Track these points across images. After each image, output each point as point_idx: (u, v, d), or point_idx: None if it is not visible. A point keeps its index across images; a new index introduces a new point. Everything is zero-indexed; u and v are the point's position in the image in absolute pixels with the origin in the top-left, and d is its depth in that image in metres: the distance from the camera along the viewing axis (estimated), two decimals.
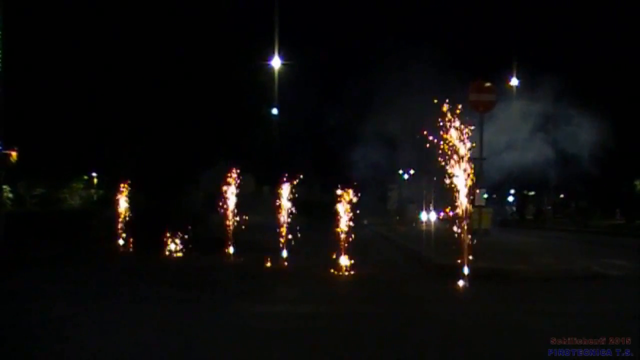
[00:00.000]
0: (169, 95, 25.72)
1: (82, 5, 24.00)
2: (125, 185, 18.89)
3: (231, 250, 16.50)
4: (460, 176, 10.87)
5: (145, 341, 6.76)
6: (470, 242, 10.78)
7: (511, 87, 31.13)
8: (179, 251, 16.90)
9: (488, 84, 23.01)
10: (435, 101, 10.92)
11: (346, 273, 12.72)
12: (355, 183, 13.88)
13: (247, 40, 29.08)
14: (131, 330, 7.30)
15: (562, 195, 54.27)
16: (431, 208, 29.83)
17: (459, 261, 10.77)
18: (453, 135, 10.80)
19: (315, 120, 42.49)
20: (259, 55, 29.04)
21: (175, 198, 26.38)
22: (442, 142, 10.87)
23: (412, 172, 44.88)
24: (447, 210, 11.32)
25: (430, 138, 11.05)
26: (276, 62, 28.66)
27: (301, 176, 16.05)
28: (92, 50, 23.77)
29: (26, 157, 25.31)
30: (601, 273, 12.43)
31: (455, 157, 10.82)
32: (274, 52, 28.46)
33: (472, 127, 11.05)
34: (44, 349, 6.46)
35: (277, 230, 16.06)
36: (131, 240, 18.46)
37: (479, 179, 14.58)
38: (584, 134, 29.51)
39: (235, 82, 29.15)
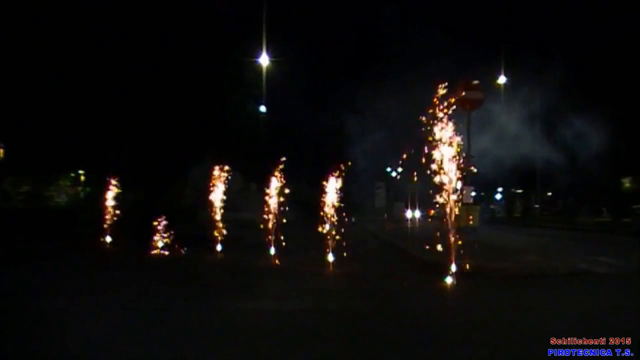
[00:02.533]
0: (157, 92, 25.62)
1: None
2: (113, 182, 18.79)
3: (219, 246, 16.51)
4: (449, 174, 10.87)
5: (127, 338, 6.74)
6: (457, 240, 10.81)
7: (499, 84, 31.26)
8: (167, 248, 16.82)
9: (476, 82, 22.97)
10: (423, 97, 10.91)
11: (334, 270, 12.72)
12: (343, 181, 13.87)
13: (236, 36, 29.01)
14: (118, 328, 7.28)
15: (549, 193, 54.66)
16: (417, 206, 30.01)
17: (446, 259, 10.78)
18: (439, 133, 10.79)
19: (304, 118, 42.59)
20: (248, 52, 29.02)
21: (164, 195, 26.30)
22: (429, 139, 10.88)
23: (400, 170, 44.94)
24: (435, 208, 11.30)
25: (418, 135, 11.06)
26: (264, 59, 28.66)
27: (287, 171, 16.00)
28: (78, 46, 23.60)
29: (13, 154, 25.13)
30: (587, 270, 12.53)
31: (443, 155, 10.82)
32: (262, 49, 28.46)
33: (453, 123, 10.94)
34: (44, 345, 6.44)
35: (265, 226, 16.04)
36: (119, 237, 18.36)
37: (467, 177, 14.57)
38: (572, 133, 29.71)
39: (223, 79, 29.08)
